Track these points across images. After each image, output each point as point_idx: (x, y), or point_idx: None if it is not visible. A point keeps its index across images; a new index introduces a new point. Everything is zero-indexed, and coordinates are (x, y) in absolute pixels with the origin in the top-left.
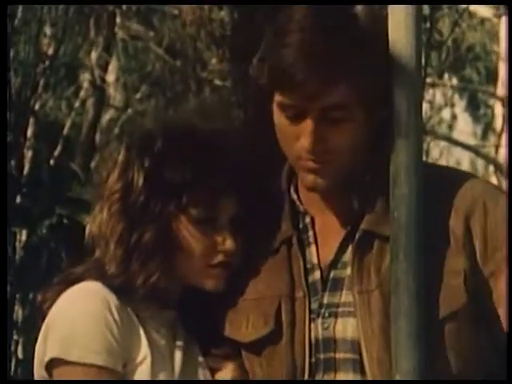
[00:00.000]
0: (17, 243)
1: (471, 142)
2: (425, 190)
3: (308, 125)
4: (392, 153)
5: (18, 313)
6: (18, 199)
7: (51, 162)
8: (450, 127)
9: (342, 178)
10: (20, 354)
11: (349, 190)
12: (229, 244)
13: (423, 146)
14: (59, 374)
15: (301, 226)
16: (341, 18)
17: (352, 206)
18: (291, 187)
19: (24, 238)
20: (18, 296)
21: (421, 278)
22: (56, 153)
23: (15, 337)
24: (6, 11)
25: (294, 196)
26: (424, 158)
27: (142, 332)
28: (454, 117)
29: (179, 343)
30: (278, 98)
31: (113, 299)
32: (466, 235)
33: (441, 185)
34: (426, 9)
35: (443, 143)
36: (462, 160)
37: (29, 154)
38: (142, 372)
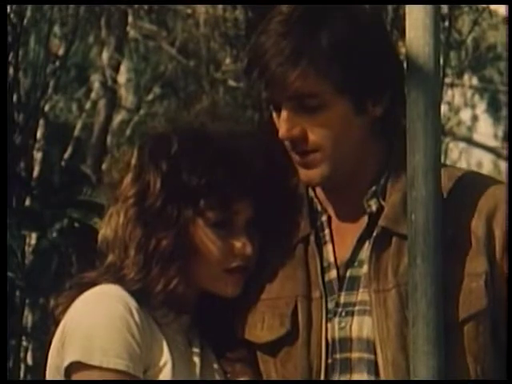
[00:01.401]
0: (26, 247)
1: (493, 143)
2: (447, 191)
3: (283, 114)
4: (409, 154)
5: (28, 318)
6: (28, 202)
7: (62, 164)
8: (470, 129)
9: (338, 172)
10: (30, 361)
11: (365, 187)
12: (246, 248)
13: (442, 148)
14: (79, 378)
15: (318, 224)
16: (326, 12)
17: (369, 204)
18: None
19: (34, 241)
20: (27, 301)
21: (439, 282)
22: (66, 155)
23: (25, 343)
24: (6, 11)
25: (312, 194)
26: (442, 160)
27: (161, 336)
28: (474, 118)
29: (196, 350)
30: (263, 94)
31: (133, 303)
32: (487, 236)
33: (463, 187)
34: (444, 7)
35: (463, 145)
36: (484, 162)
37: (39, 156)
38: (164, 378)
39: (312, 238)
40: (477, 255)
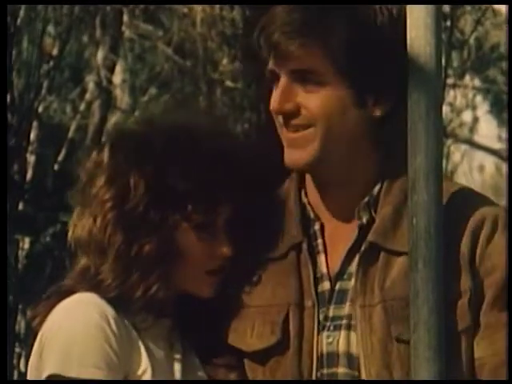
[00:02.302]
0: (19, 251)
1: (496, 145)
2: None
3: (279, 86)
4: (410, 156)
5: (21, 324)
6: (21, 206)
7: (55, 167)
8: (472, 130)
9: (325, 157)
10: (22, 367)
11: (358, 195)
12: (227, 249)
13: (443, 150)
14: None
15: (311, 232)
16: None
17: (360, 215)
18: (302, 191)
19: (27, 246)
20: (20, 306)
21: (440, 287)
22: (60, 157)
23: (17, 349)
24: (6, 11)
25: (305, 200)
26: (444, 163)
27: (141, 344)
28: (476, 119)
29: (177, 356)
30: (269, 64)
31: (110, 311)
32: (471, 254)
33: (455, 204)
34: (446, 6)
35: (465, 147)
36: (486, 164)
37: (32, 158)
38: None
39: (304, 246)
40: (462, 271)
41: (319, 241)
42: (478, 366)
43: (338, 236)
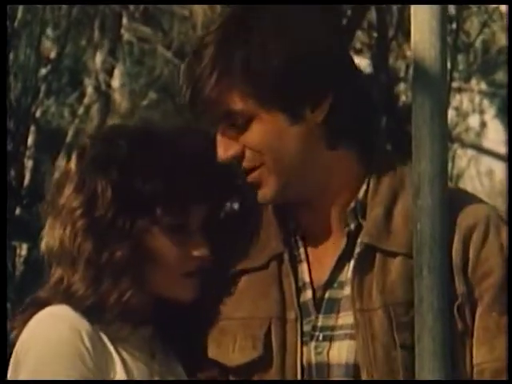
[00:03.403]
0: (17, 258)
1: (503, 150)
2: None
3: (218, 136)
4: (415, 161)
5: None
6: (18, 211)
7: (53, 172)
8: (479, 135)
9: (288, 185)
10: None
11: (341, 203)
12: (203, 250)
13: (449, 155)
14: None
15: (292, 242)
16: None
17: (348, 222)
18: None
19: (24, 252)
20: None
21: (445, 293)
22: (58, 162)
23: None
24: (6, 11)
25: (286, 210)
26: (450, 167)
27: (116, 357)
28: (483, 124)
29: (156, 367)
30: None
31: (83, 324)
32: (463, 258)
33: (449, 206)
34: (452, 9)
35: (472, 152)
36: (495, 169)
37: (29, 163)
38: None
39: (286, 256)
40: (456, 278)
41: (301, 250)
42: (478, 372)
43: (322, 245)
